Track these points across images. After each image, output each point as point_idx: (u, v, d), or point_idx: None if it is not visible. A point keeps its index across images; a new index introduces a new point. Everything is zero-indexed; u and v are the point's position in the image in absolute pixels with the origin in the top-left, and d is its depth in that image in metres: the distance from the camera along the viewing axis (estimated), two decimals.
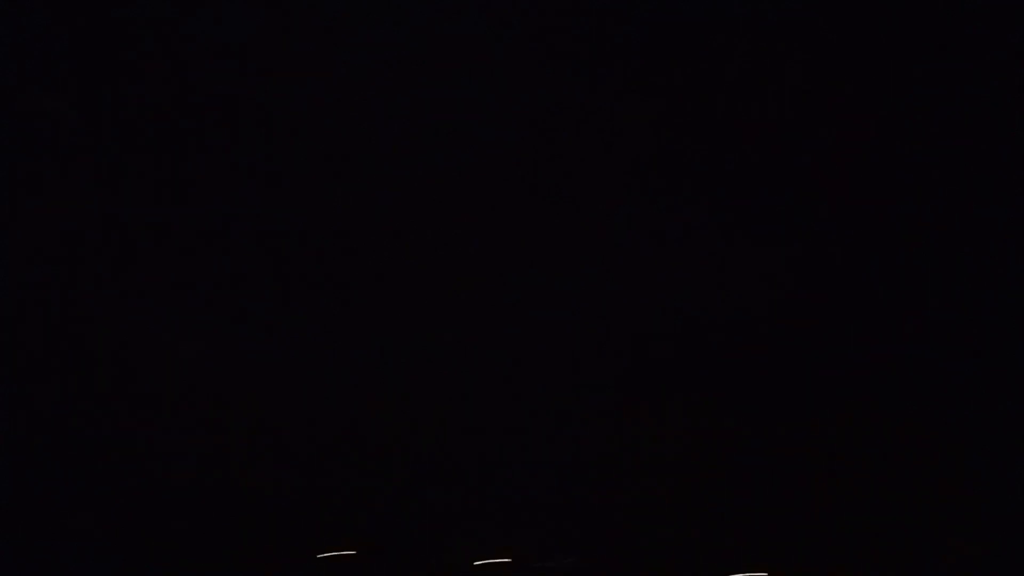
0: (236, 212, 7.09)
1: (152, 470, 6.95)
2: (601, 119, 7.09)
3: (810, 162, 7.04)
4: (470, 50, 7.11)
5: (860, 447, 6.86)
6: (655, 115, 7.08)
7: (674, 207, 7.06)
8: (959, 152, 6.99)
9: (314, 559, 6.84)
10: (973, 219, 6.95)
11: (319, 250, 7.09)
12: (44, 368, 7.02)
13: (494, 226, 7.09)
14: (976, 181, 6.97)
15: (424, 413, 7.01)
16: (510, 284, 7.05)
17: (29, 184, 7.09)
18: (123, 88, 7.12)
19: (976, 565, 6.64)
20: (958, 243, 6.95)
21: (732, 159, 7.05)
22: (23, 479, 6.91)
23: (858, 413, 6.89)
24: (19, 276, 7.05)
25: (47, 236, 7.08)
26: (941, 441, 6.83)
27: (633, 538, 6.89)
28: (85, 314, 7.05)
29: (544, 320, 7.03)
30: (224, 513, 6.93)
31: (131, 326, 7.04)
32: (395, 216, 7.11)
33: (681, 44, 7.08)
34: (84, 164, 7.11)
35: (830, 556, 6.75)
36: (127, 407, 7.00)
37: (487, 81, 7.10)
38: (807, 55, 7.06)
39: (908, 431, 6.85)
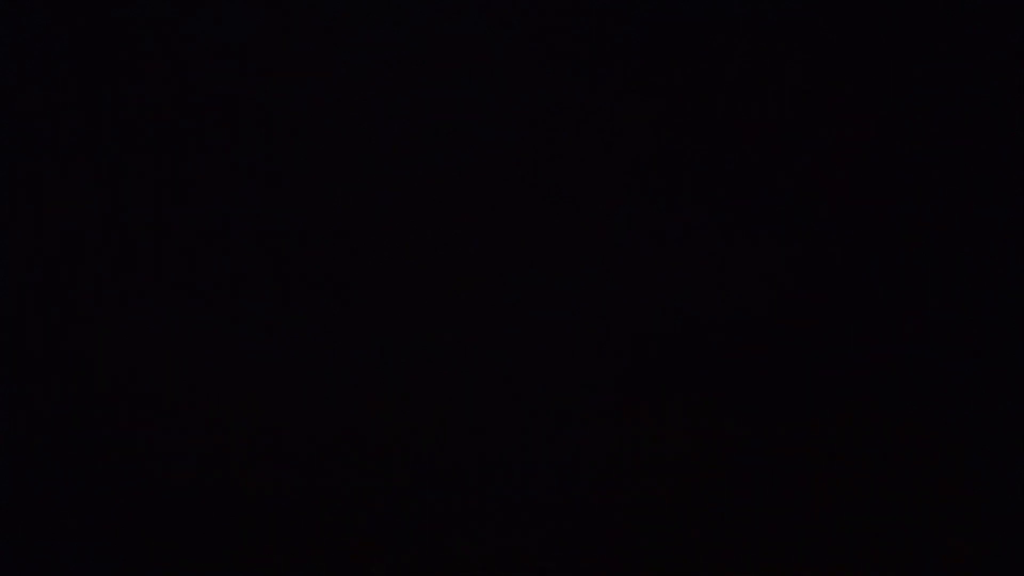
0: (236, 212, 7.10)
1: (152, 470, 6.95)
2: (601, 119, 7.11)
3: (810, 162, 7.06)
4: (470, 50, 7.12)
5: (860, 447, 6.87)
6: (655, 115, 7.09)
7: (674, 207, 7.07)
8: (959, 152, 7.00)
9: (313, 559, 6.85)
10: (973, 219, 6.97)
11: (319, 250, 7.10)
12: (44, 368, 7.03)
13: (494, 226, 7.10)
14: (976, 181, 6.98)
15: (424, 413, 7.01)
16: (510, 284, 7.06)
17: (29, 184, 7.11)
18: (123, 88, 7.13)
19: (976, 565, 6.64)
20: (958, 243, 6.96)
21: (732, 159, 7.06)
22: (23, 479, 6.91)
23: (858, 413, 6.90)
24: (19, 276, 7.05)
25: (47, 236, 7.09)
26: (941, 441, 6.83)
27: (633, 538, 6.90)
28: (85, 314, 7.06)
29: (544, 320, 7.04)
30: (224, 513, 6.95)
31: (131, 326, 7.05)
32: (395, 216, 7.12)
33: (681, 44, 7.09)
34: (84, 164, 7.12)
35: (830, 556, 6.76)
36: (127, 407, 7.01)
37: (487, 81, 7.11)
38: (807, 55, 7.07)
39: (908, 431, 6.86)
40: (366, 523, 6.93)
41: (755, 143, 7.05)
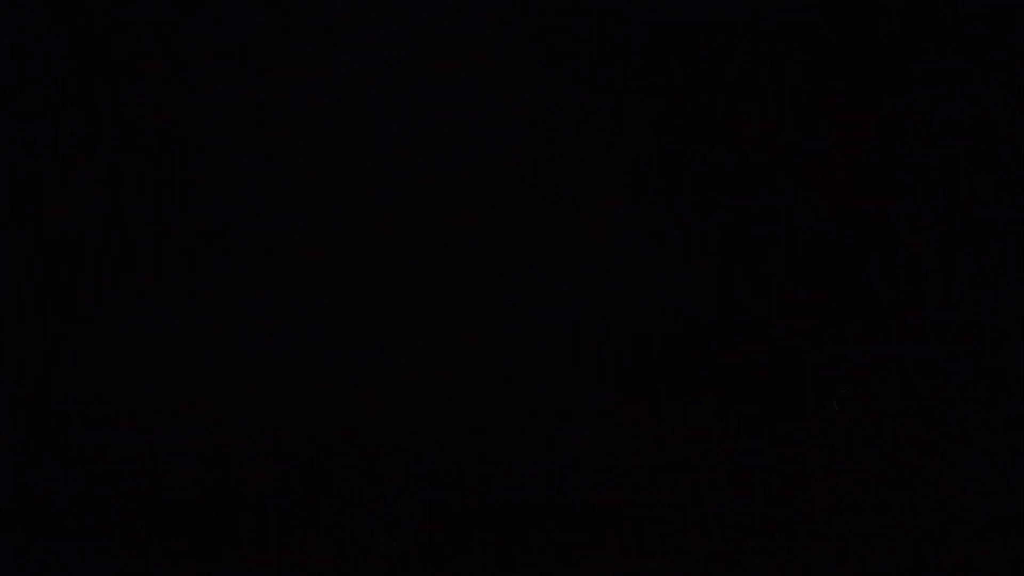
0: (236, 212, 7.10)
1: (152, 470, 6.96)
2: (601, 119, 7.10)
3: (811, 162, 7.05)
4: (470, 50, 7.12)
5: (860, 447, 6.87)
6: (655, 115, 7.09)
7: (674, 207, 7.06)
8: (959, 152, 7.00)
9: (314, 560, 6.84)
10: (973, 219, 6.96)
11: (319, 250, 7.10)
12: (44, 368, 7.03)
13: (494, 226, 7.10)
14: (976, 181, 6.98)
15: (424, 413, 7.02)
16: (510, 284, 7.06)
17: (29, 184, 7.10)
18: (123, 88, 7.13)
19: (976, 565, 6.64)
20: (958, 243, 6.96)
21: (732, 159, 7.05)
22: (23, 479, 6.91)
23: (858, 413, 6.90)
24: (19, 276, 7.05)
25: (47, 236, 7.08)
26: (941, 441, 6.83)
27: (634, 538, 6.90)
28: (85, 314, 7.05)
29: (544, 320, 7.04)
30: (224, 513, 6.94)
31: (131, 326, 7.04)
32: (395, 216, 7.11)
33: (681, 44, 7.09)
34: (84, 164, 7.11)
35: (831, 556, 6.76)
36: (127, 407, 7.01)
37: (487, 81, 7.10)
38: (807, 55, 7.07)
39: (908, 431, 6.86)
40: (366, 523, 6.93)
41: (755, 143, 7.05)
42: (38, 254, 7.08)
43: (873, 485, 6.84)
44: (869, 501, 6.82)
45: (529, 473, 6.95)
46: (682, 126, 7.08)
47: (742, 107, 7.06)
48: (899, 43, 7.04)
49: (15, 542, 6.83)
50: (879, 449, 6.86)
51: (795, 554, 6.78)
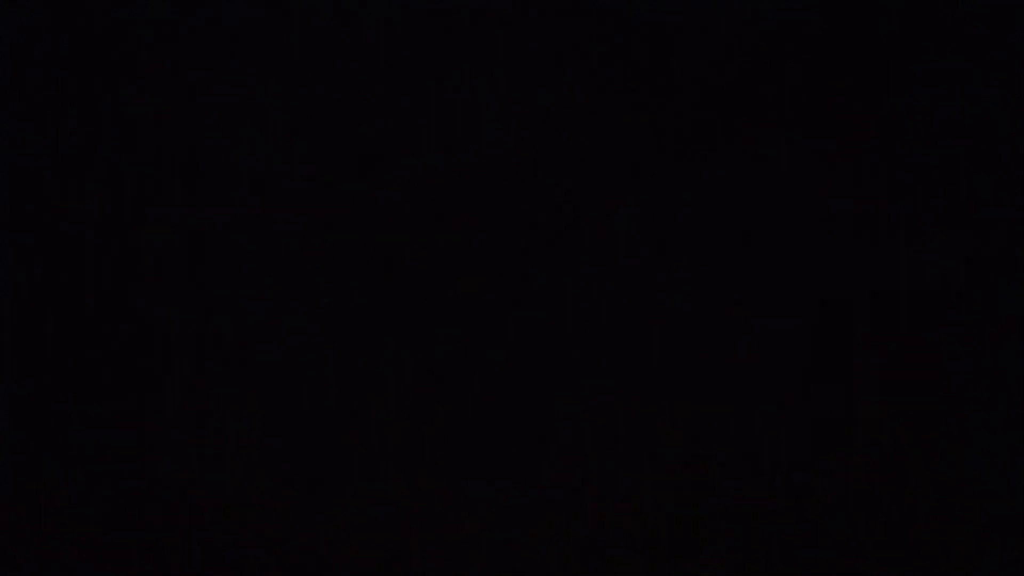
0: (237, 212, 7.11)
1: (152, 470, 6.96)
2: (601, 119, 7.11)
3: (810, 162, 7.06)
4: (470, 50, 7.12)
5: (862, 447, 6.88)
6: (655, 115, 7.09)
7: (674, 207, 7.07)
8: (960, 152, 7.00)
9: (314, 561, 6.85)
10: (973, 219, 6.96)
11: (319, 250, 7.11)
12: (44, 368, 7.03)
13: (494, 226, 7.10)
14: (976, 181, 6.98)
15: (424, 413, 7.02)
16: (510, 284, 7.07)
17: (29, 184, 7.11)
18: (123, 88, 7.14)
19: (976, 565, 6.65)
20: (957, 243, 6.96)
21: (732, 159, 7.06)
22: (23, 479, 6.92)
23: (861, 413, 6.90)
24: (19, 276, 7.06)
25: (47, 236, 7.09)
26: (942, 441, 6.84)
27: (633, 538, 6.91)
28: (85, 314, 7.06)
29: (544, 320, 7.04)
30: (224, 513, 6.95)
31: (132, 326, 7.05)
32: (395, 216, 7.12)
33: (681, 44, 7.09)
34: (84, 164, 7.12)
35: (831, 556, 6.77)
36: (128, 407, 7.02)
37: (487, 81, 7.11)
38: (807, 55, 7.07)
39: (909, 431, 6.86)
40: (365, 523, 6.94)
41: (755, 143, 7.05)
42: (38, 254, 7.09)
43: (875, 485, 6.85)
44: (871, 502, 6.83)
45: (529, 474, 6.96)
46: (682, 126, 7.08)
47: (743, 107, 7.07)
48: (900, 43, 7.04)
49: (15, 542, 6.84)
50: (881, 450, 6.87)
51: (796, 554, 6.78)
